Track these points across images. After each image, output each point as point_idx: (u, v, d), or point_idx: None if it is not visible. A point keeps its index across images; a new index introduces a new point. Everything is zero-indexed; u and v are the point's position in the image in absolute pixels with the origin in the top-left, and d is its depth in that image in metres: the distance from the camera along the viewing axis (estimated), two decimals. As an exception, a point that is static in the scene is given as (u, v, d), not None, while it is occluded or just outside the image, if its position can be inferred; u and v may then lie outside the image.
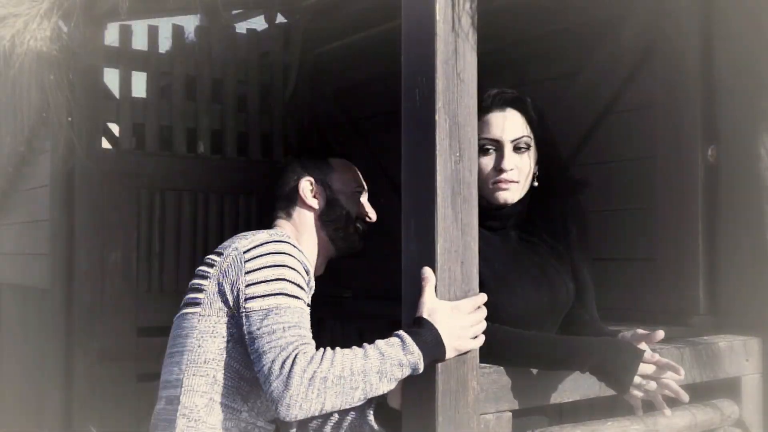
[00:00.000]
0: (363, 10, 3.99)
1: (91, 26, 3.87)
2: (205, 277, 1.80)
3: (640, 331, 1.84)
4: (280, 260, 1.74)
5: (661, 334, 1.81)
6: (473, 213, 1.74)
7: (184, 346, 1.78)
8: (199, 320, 1.77)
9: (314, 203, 1.98)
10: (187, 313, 1.81)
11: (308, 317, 1.73)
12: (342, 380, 1.54)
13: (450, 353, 1.64)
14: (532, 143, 1.98)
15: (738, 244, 2.55)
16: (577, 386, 1.96)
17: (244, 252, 1.76)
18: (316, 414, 1.55)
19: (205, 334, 1.75)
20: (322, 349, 1.60)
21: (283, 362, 1.56)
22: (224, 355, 1.74)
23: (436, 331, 1.62)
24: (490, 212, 1.96)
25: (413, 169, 1.74)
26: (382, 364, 1.57)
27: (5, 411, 4.94)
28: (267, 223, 2.03)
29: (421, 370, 1.62)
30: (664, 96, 2.75)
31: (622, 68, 2.95)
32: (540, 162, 2.01)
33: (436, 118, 1.68)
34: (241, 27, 4.68)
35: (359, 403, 1.60)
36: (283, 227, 1.98)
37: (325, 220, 1.98)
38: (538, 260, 2.00)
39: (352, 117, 4.45)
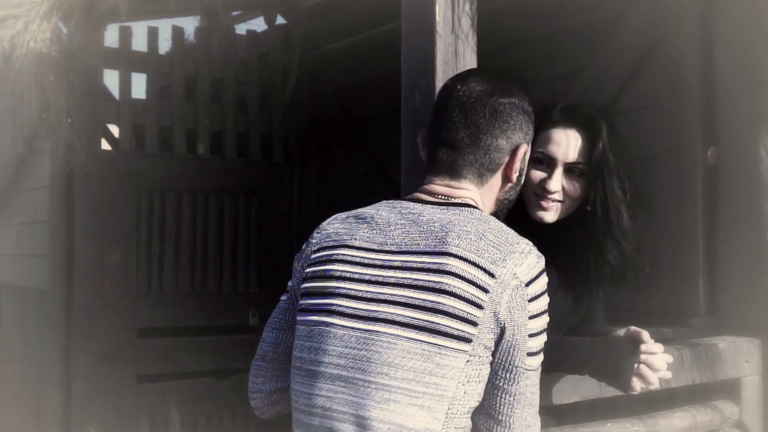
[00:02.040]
0: (363, 11, 3.99)
1: (91, 27, 3.87)
2: (478, 306, 1.35)
3: (633, 328, 1.84)
4: (548, 300, 1.44)
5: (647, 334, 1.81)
6: (473, 214, 1.73)
7: (442, 390, 1.35)
8: (468, 362, 1.35)
9: (514, 177, 1.57)
10: (447, 348, 1.35)
11: None
12: None
13: None
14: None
15: (738, 245, 2.54)
16: (578, 387, 1.96)
17: (527, 285, 1.38)
18: None
19: (472, 380, 1.37)
20: None
21: None
22: (479, 401, 1.41)
23: None
24: (528, 222, 1.90)
25: (413, 170, 1.74)
26: None
27: (5, 412, 4.93)
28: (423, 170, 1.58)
29: None
30: (665, 96, 2.75)
31: (622, 68, 2.95)
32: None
33: (436, 118, 1.67)
34: (241, 28, 4.69)
35: None
36: (471, 192, 1.53)
37: (504, 197, 1.59)
38: (558, 264, 1.98)
39: (352, 118, 4.45)
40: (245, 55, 4.52)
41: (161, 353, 4.10)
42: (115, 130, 4.28)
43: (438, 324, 1.35)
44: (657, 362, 1.75)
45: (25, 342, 4.67)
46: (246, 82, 4.51)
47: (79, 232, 3.97)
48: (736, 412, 2.35)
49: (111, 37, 4.10)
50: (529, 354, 1.39)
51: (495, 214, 1.59)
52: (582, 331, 1.98)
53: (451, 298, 1.35)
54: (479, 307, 1.34)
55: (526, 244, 1.42)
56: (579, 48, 3.14)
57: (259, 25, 4.76)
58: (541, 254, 1.43)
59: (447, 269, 1.36)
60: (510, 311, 1.36)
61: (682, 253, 2.65)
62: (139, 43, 4.24)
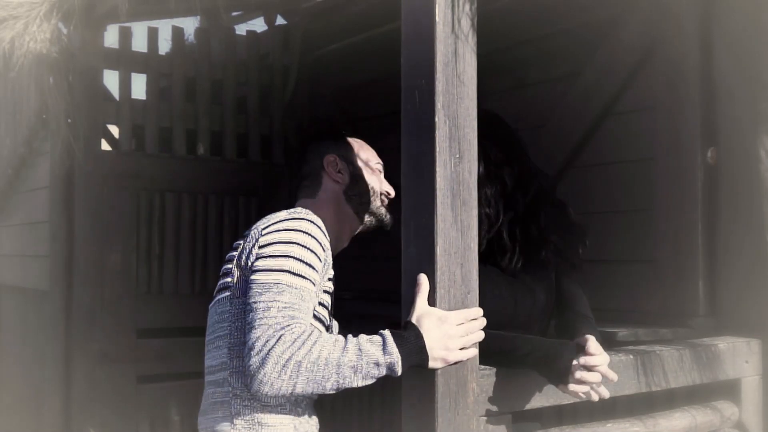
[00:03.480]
0: (362, 12, 3.99)
1: (91, 28, 3.86)
2: (231, 261, 1.84)
3: (586, 336, 1.85)
4: (291, 237, 1.75)
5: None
6: (473, 214, 1.74)
7: (224, 330, 1.82)
8: (231, 303, 1.81)
9: (340, 178, 2.03)
10: (221, 299, 1.85)
11: (312, 297, 1.73)
12: (315, 367, 1.57)
13: (436, 363, 1.64)
14: None
15: (738, 246, 2.54)
16: (577, 388, 1.96)
17: (262, 229, 1.80)
18: (287, 395, 1.60)
19: (240, 316, 1.78)
20: (306, 333, 1.61)
21: (267, 341, 1.59)
22: None
23: (422, 337, 1.62)
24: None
25: (413, 171, 1.74)
26: (359, 360, 1.59)
27: (4, 413, 4.93)
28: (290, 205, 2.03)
29: (399, 373, 1.62)
30: (665, 97, 2.75)
31: (622, 69, 2.95)
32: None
33: (436, 119, 1.68)
34: (241, 29, 4.68)
35: (332, 392, 1.62)
36: (306, 207, 1.97)
37: (350, 194, 2.03)
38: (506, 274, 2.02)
39: (352, 118, 4.45)
40: (245, 55, 4.52)
41: (161, 353, 4.09)
42: (115, 130, 4.27)
43: (223, 283, 1.87)
44: (593, 361, 1.75)
45: (25, 342, 4.67)
46: (246, 82, 4.50)
47: (79, 232, 3.96)
48: (735, 412, 2.35)
49: (111, 37, 4.10)
50: (256, 270, 1.73)
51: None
52: (574, 332, 1.97)
53: (227, 263, 1.87)
54: (232, 261, 1.84)
55: (282, 212, 1.85)
56: (579, 48, 3.14)
57: (259, 25, 4.75)
58: (295, 217, 1.81)
59: (235, 246, 1.88)
60: (247, 250, 1.79)
61: (682, 253, 2.65)
62: (139, 43, 4.24)
